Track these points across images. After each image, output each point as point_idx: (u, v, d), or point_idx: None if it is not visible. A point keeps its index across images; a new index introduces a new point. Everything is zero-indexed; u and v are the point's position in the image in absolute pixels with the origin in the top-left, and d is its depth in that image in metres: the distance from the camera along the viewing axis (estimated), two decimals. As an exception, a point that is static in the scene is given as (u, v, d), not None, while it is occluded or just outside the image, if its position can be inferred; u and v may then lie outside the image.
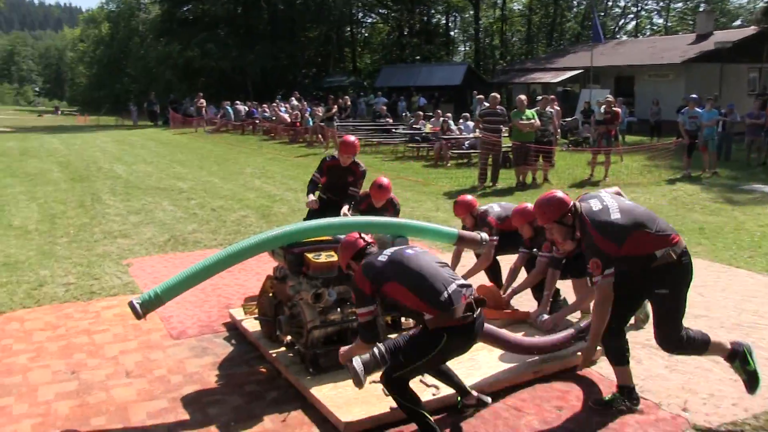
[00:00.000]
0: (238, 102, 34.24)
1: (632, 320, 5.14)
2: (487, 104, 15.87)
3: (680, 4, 52.66)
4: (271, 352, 5.19)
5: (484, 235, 5.65)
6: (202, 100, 34.66)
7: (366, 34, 56.33)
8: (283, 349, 5.19)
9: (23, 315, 6.29)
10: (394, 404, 4.02)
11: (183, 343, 5.62)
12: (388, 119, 27.03)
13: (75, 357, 5.33)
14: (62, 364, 5.20)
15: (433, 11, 49.86)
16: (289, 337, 5.11)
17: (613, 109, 15.05)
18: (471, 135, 18.47)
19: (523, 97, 14.82)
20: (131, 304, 4.45)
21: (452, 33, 53.86)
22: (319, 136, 23.60)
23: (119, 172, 16.73)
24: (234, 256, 4.75)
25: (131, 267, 8.00)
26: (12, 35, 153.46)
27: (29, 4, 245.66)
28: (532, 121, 13.85)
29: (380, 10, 51.72)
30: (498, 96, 15.21)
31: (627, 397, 4.34)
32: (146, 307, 4.48)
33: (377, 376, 4.03)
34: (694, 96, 16.70)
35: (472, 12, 48.39)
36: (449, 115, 20.72)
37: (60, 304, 6.61)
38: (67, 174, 16.47)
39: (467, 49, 56.94)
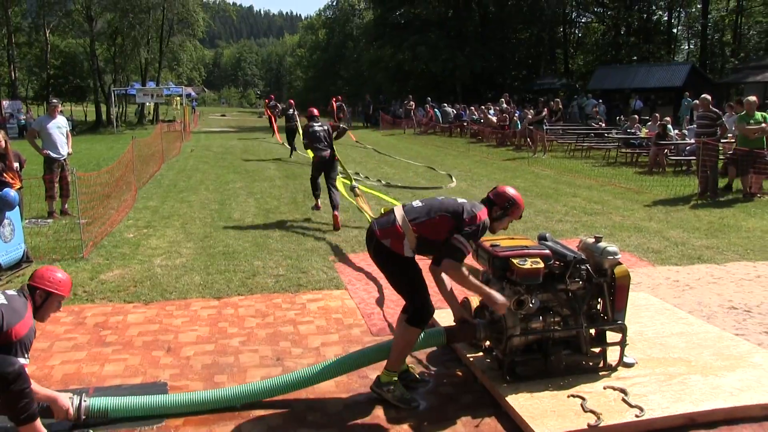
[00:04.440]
0: (446, 104, 34.70)
1: None
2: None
3: None
4: (468, 355, 5.17)
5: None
6: (412, 102, 35.47)
7: (579, 34, 54.66)
8: (480, 353, 5.16)
9: (237, 301, 6.79)
10: (591, 420, 3.86)
11: (382, 340, 5.74)
12: (600, 123, 26.10)
13: (281, 345, 5.66)
14: (269, 350, 5.54)
15: (654, 8, 47.18)
16: (487, 343, 5.06)
17: None
18: (692, 141, 17.28)
19: (752, 98, 13.44)
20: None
21: (675, 30, 50.75)
22: (528, 139, 23.23)
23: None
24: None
25: (337, 263, 8.35)
26: (240, 44, 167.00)
27: (256, 14, 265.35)
28: (763, 125, 12.65)
29: (596, 9, 49.93)
30: (708, 97, 14.02)
31: None
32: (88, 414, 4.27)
33: (578, 389, 3.89)
34: None
35: (699, 6, 45.25)
36: (667, 119, 19.50)
37: (270, 294, 7.05)
38: (281, 171, 17.57)
39: (691, 47, 53.39)
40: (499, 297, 4.50)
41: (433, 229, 4.43)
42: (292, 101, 25.60)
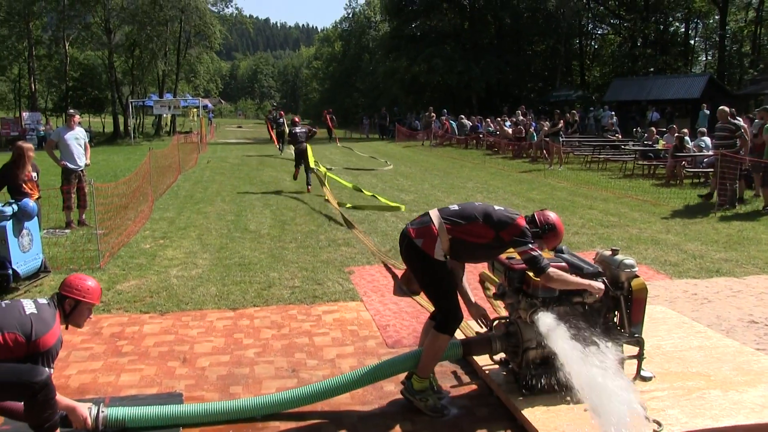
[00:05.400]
0: (462, 116, 34.75)
1: None
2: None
3: None
4: (484, 368, 5.16)
5: None
6: (433, 114, 35.57)
7: (596, 46, 54.61)
8: (496, 366, 5.14)
9: (253, 313, 6.81)
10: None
11: (398, 352, 5.72)
12: (617, 135, 26.00)
13: (296, 356, 5.66)
14: (284, 361, 5.54)
15: (670, 19, 47.04)
16: (502, 355, 5.04)
17: None
18: (710, 152, 17.17)
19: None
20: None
21: (692, 41, 50.50)
22: (544, 151, 23.18)
23: (346, 183, 17.59)
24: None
25: (352, 275, 8.35)
26: (256, 56, 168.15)
27: (273, 26, 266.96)
28: None
29: (612, 21, 49.88)
30: (726, 108, 13.93)
31: None
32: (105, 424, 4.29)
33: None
34: None
35: (717, 17, 45.00)
36: (685, 131, 19.36)
37: (285, 305, 7.06)
38: (298, 183, 17.60)
39: (709, 58, 53.13)
40: (597, 283, 4.58)
41: (469, 233, 4.47)
42: (282, 112, 35.52)
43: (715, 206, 12.99)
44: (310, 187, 16.20)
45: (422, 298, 6.66)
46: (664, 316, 6.30)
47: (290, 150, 20.51)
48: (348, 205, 13.54)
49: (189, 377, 5.22)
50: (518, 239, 4.41)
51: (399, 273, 7.97)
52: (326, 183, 15.46)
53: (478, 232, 4.46)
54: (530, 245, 4.40)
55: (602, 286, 4.58)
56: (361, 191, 14.71)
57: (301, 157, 16.80)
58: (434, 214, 4.56)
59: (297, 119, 18.72)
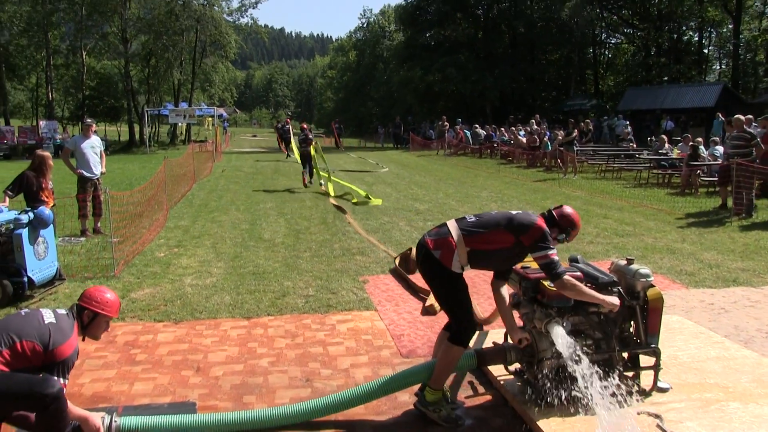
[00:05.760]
0: (476, 125, 34.74)
1: None
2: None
3: None
4: (499, 378, 5.12)
5: None
6: (446, 123, 35.58)
7: (609, 55, 54.49)
8: (511, 376, 5.09)
9: (267, 322, 6.80)
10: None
11: (412, 362, 5.69)
12: (631, 144, 25.88)
13: (310, 365, 5.64)
14: (298, 371, 5.52)
15: (684, 28, 46.86)
16: (517, 365, 5.00)
17: None
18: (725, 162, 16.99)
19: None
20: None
21: (706, 50, 50.24)
22: (559, 160, 23.10)
23: (359, 192, 17.60)
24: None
25: (367, 284, 8.33)
26: (271, 65, 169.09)
27: (287, 36, 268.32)
28: None
29: (625, 30, 49.77)
30: (742, 117, 13.86)
31: None
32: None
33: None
34: None
35: (731, 26, 44.78)
36: (699, 139, 19.18)
37: (299, 315, 7.05)
38: (312, 192, 17.64)
39: (723, 67, 52.87)
40: (612, 298, 4.54)
41: (487, 241, 4.46)
42: (288, 120, 38.81)
43: (731, 215, 12.88)
44: (309, 181, 19.53)
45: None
46: (680, 326, 6.24)
47: (294, 154, 24.84)
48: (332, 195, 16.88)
49: (203, 386, 5.22)
50: (538, 244, 4.39)
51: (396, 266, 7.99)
52: (329, 185, 17.90)
53: (498, 239, 4.45)
54: (549, 251, 4.38)
55: (617, 302, 4.54)
56: (369, 198, 16.24)
57: (306, 160, 19.67)
58: (452, 226, 4.54)
59: (304, 125, 23.27)
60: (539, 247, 4.39)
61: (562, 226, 4.64)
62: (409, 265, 8.70)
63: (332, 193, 17.09)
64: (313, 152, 19.56)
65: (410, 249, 9.19)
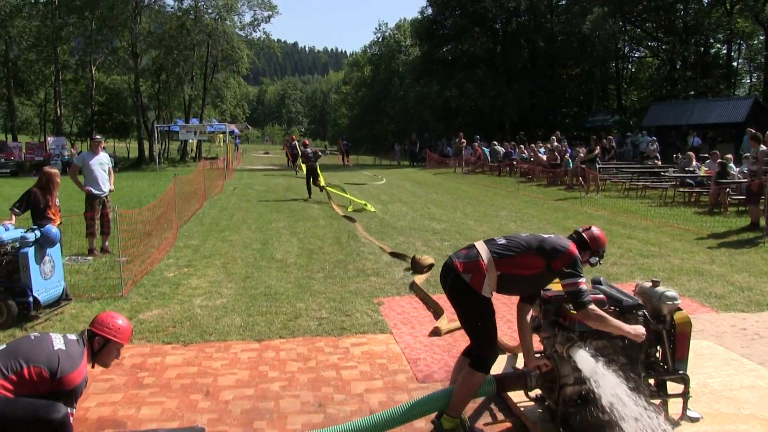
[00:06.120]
0: (495, 142, 34.75)
1: None
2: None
3: None
4: (519, 405, 5.07)
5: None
6: (464, 141, 35.61)
7: (633, 70, 54.36)
8: (532, 403, 5.05)
9: (279, 345, 6.78)
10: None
11: (429, 387, 5.67)
12: (656, 161, 25.76)
13: (323, 390, 5.61)
14: (311, 395, 5.50)
15: (712, 40, 46.65)
16: (538, 391, 4.95)
17: None
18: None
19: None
20: None
21: (735, 63, 49.97)
22: (580, 178, 23.01)
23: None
24: None
25: (382, 306, 8.31)
26: (284, 80, 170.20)
27: (301, 50, 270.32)
28: None
29: (649, 43, 49.65)
30: None
31: None
32: None
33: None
34: None
35: (762, 37, 44.52)
36: (729, 156, 19.01)
37: (312, 338, 7.03)
38: (325, 211, 17.69)
39: (754, 80, 52.59)
40: (638, 328, 4.50)
41: (518, 266, 4.43)
42: (294, 136, 46.12)
43: (764, 235, 12.75)
44: (311, 196, 21.37)
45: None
46: (710, 351, 6.17)
47: (300, 167, 27.42)
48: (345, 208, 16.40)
49: (212, 411, 5.20)
50: (569, 270, 4.37)
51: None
52: (333, 199, 19.86)
53: (529, 263, 4.43)
54: (579, 278, 4.36)
55: (643, 331, 4.50)
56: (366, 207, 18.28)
57: (311, 175, 21.54)
58: (482, 249, 4.50)
59: (307, 142, 25.66)
60: (569, 274, 4.36)
61: (594, 248, 4.63)
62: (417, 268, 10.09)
63: (336, 203, 19.26)
64: (318, 168, 21.66)
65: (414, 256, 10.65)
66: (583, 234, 4.69)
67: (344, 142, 51.34)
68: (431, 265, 10.08)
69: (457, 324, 8.28)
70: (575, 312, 4.45)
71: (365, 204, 18.67)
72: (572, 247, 4.46)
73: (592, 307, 4.35)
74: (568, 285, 4.36)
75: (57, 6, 42.80)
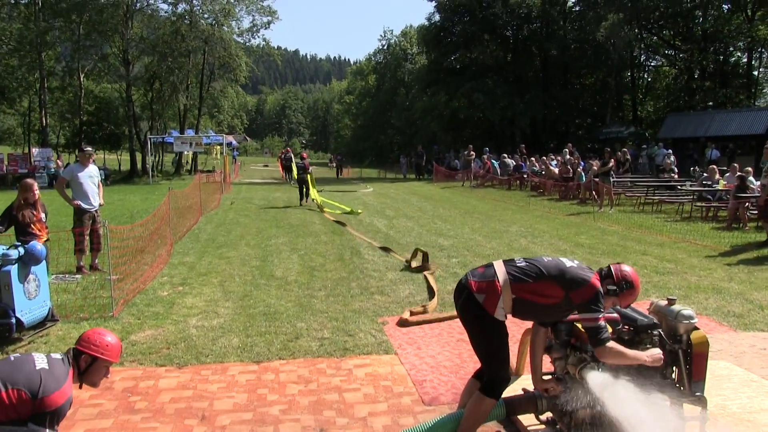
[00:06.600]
0: (505, 155, 34.81)
1: None
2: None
3: None
4: (529, 428, 5.10)
5: None
6: (472, 153, 35.66)
7: (649, 79, 54.39)
8: (542, 426, 5.08)
9: (278, 366, 6.83)
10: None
11: (435, 410, 5.70)
12: (673, 174, 25.78)
13: (325, 414, 5.66)
14: (312, 419, 5.54)
15: (732, 49, 46.65)
16: (549, 415, 4.98)
17: None
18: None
19: None
20: None
21: (756, 73, 49.95)
22: (593, 192, 23.01)
23: (379, 227, 17.67)
24: None
25: (386, 326, 8.34)
26: (285, 89, 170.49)
27: (302, 58, 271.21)
28: None
29: (666, 52, 49.72)
30: None
31: None
32: None
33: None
34: None
35: (784, 46, 44.59)
36: (748, 169, 18.95)
37: (313, 359, 7.07)
38: (327, 226, 17.72)
39: (776, 91, 52.59)
40: (655, 353, 4.52)
41: (535, 292, 4.43)
42: (288, 149, 46.46)
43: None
44: (303, 202, 24.47)
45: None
46: (729, 372, 6.19)
47: (294, 178, 31.18)
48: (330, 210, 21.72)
49: (208, 436, 5.24)
50: (589, 305, 4.37)
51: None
52: (325, 209, 22.17)
53: (547, 291, 4.43)
54: (599, 314, 4.35)
55: (661, 356, 4.52)
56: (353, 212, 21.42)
57: (302, 184, 24.63)
58: (500, 269, 4.52)
59: (304, 154, 28.09)
60: (589, 309, 4.37)
61: (616, 279, 4.56)
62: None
63: (325, 208, 22.20)
64: (309, 178, 24.55)
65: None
66: (611, 266, 4.65)
67: (338, 157, 61.41)
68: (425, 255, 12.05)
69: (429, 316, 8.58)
70: (594, 348, 4.45)
71: (351, 210, 21.86)
72: (594, 279, 4.44)
73: (611, 344, 4.36)
74: (587, 320, 4.38)
75: (40, 8, 42.26)
